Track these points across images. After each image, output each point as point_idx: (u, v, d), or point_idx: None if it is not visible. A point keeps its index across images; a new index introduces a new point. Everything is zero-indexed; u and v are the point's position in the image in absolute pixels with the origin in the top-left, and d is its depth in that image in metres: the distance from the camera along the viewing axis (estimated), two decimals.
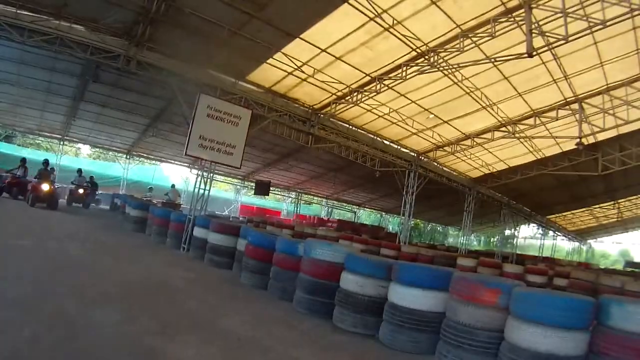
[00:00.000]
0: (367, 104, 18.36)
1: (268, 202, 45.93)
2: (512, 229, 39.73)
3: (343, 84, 16.73)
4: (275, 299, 8.20)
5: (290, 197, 43.67)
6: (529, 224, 43.34)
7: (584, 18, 11.35)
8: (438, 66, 14.69)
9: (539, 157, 23.61)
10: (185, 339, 5.10)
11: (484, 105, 17.84)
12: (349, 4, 12.05)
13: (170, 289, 7.74)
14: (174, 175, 39.03)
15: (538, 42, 12.16)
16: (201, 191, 14.69)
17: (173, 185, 28.48)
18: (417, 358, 5.89)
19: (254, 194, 35.05)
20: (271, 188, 32.03)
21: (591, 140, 19.18)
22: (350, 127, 20.75)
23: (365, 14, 12.48)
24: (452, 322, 5.66)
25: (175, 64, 14.59)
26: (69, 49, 13.06)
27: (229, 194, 43.01)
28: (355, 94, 17.20)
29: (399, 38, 13.61)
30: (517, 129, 19.83)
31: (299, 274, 7.81)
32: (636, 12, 10.93)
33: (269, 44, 14.10)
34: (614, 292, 12.97)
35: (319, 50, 14.55)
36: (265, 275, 8.96)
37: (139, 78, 15.67)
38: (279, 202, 48.53)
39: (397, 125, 20.31)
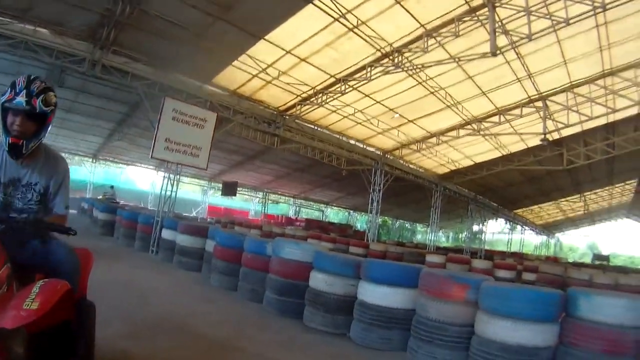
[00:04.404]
0: (333, 105, 18.37)
1: (235, 202, 45.58)
2: (480, 224, 40.18)
3: (308, 85, 16.71)
4: (245, 301, 8.13)
5: (257, 197, 43.52)
6: (496, 219, 43.73)
7: (547, 16, 11.53)
8: (402, 66, 14.77)
9: (505, 154, 23.93)
10: (157, 342, 5.04)
11: (448, 104, 18.03)
12: (313, 4, 12.00)
13: (140, 292, 7.62)
14: (140, 178, 38.73)
15: (502, 41, 12.32)
16: (168, 193, 14.57)
17: (112, 186, 29.03)
18: (389, 355, 5.93)
19: (222, 194, 34.86)
20: (238, 188, 31.90)
21: (556, 136, 19.59)
22: (316, 128, 20.77)
23: (330, 15, 12.44)
24: (422, 318, 5.69)
25: (140, 68, 14.39)
26: (33, 53, 12.66)
27: (197, 195, 42.73)
28: (320, 95, 17.17)
29: (363, 38, 13.62)
30: (482, 127, 20.10)
31: (268, 274, 7.76)
32: (599, 10, 11.17)
33: (233, 46, 14.00)
34: (583, 285, 13.24)
35: (284, 52, 14.49)
36: (234, 276, 8.85)
37: (105, 83, 15.42)
38: (247, 202, 48.28)
39: (363, 125, 20.39)
